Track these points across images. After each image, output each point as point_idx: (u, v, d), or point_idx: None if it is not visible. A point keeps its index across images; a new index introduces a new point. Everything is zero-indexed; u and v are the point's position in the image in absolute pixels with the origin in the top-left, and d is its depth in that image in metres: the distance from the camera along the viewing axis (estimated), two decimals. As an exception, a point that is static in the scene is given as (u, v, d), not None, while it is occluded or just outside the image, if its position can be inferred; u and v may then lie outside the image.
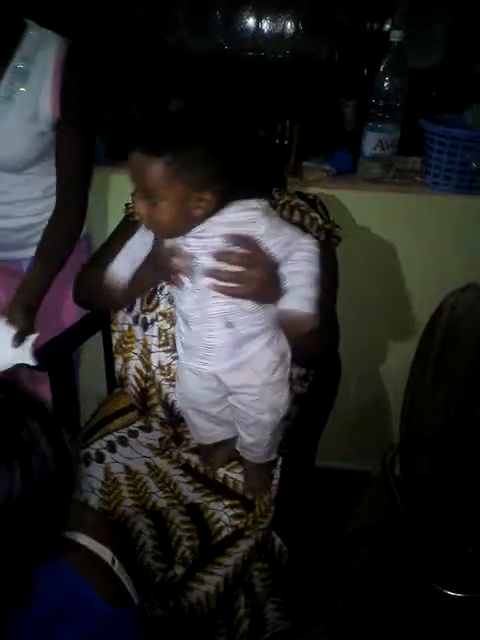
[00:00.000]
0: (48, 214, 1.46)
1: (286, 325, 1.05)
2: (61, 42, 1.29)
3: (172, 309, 1.21)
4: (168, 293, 1.23)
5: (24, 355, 1.26)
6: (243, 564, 1.19)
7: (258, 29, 1.91)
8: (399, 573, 1.67)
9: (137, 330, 1.30)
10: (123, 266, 1.09)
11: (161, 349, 1.26)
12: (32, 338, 1.31)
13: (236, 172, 0.98)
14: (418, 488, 1.69)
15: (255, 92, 1.19)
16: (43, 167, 1.41)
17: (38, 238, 1.48)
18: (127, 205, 1.37)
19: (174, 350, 1.22)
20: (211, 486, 1.27)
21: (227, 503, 1.23)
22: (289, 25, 1.89)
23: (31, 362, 1.27)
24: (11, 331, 1.31)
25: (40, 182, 1.44)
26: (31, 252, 1.49)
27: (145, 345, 1.28)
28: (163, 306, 1.24)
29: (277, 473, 1.31)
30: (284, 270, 1.02)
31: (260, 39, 1.91)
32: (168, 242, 1.04)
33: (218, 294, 1.02)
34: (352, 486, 1.99)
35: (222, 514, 1.21)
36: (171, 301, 1.21)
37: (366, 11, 1.87)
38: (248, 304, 1.05)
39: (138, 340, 1.30)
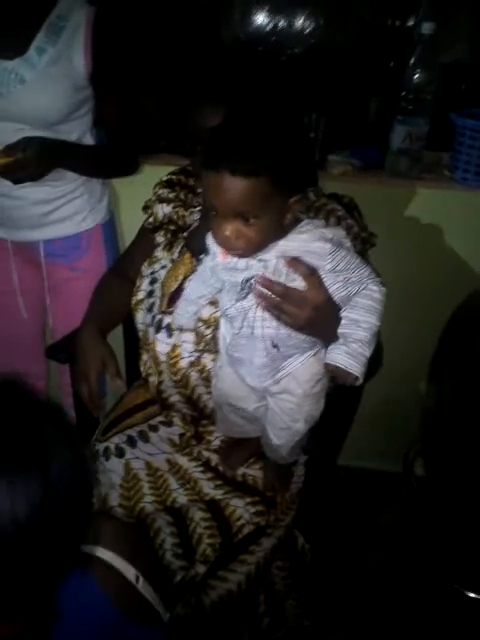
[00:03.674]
0: (66, 188, 1.48)
1: (330, 375, 1.03)
2: (90, 6, 1.41)
3: (216, 314, 1.17)
4: (210, 298, 1.18)
5: None
6: (265, 562, 1.17)
7: (280, 22, 1.88)
8: (420, 574, 1.65)
9: (150, 331, 1.27)
10: (188, 319, 1.16)
11: (195, 353, 1.21)
12: None
13: (308, 168, 0.97)
14: (440, 488, 1.67)
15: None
16: (73, 128, 1.44)
17: (55, 216, 1.48)
18: (145, 208, 1.37)
19: (210, 351, 1.19)
20: (231, 483, 1.25)
21: (248, 500, 1.22)
22: (311, 18, 1.86)
23: None
24: None
25: None
26: (49, 233, 1.51)
27: (154, 345, 1.24)
28: (205, 312, 1.19)
29: (299, 470, 1.30)
30: (344, 312, 0.98)
31: (282, 33, 1.89)
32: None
33: (267, 316, 1.00)
34: (373, 485, 1.97)
35: (243, 511, 1.20)
36: (214, 304, 1.17)
37: (390, 5, 1.84)
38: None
39: (149, 343, 1.27)
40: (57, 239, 1.52)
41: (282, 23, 1.88)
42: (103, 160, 1.52)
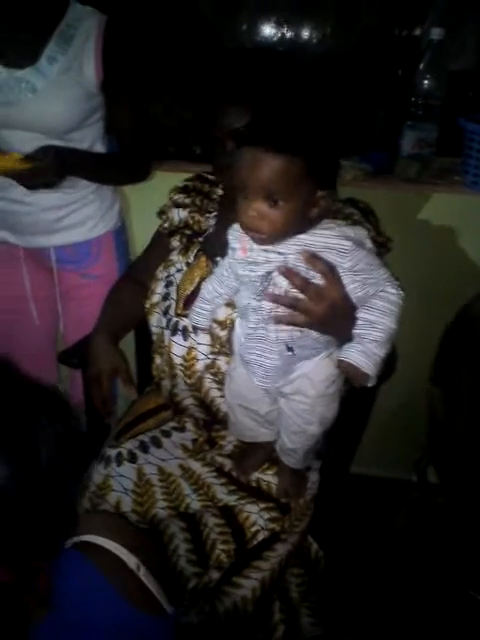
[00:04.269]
0: (78, 195, 1.49)
1: (343, 373, 1.02)
2: (100, 15, 1.40)
3: (232, 316, 1.17)
4: (227, 298, 1.17)
5: None
6: (280, 569, 1.16)
7: (287, 32, 1.90)
8: (434, 581, 1.64)
9: (166, 334, 1.27)
10: (204, 318, 1.15)
11: (211, 356, 1.21)
12: None
13: (338, 166, 0.97)
14: (452, 494, 1.66)
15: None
16: (84, 136, 1.44)
17: (66, 223, 1.49)
18: (160, 213, 1.37)
19: (225, 353, 1.19)
20: (245, 489, 1.24)
21: (262, 506, 1.20)
22: (319, 27, 1.87)
23: None
24: None
25: None
26: (60, 239, 1.51)
27: (169, 348, 1.25)
28: (220, 314, 1.19)
29: (313, 476, 1.29)
30: (360, 313, 0.98)
31: (290, 42, 1.90)
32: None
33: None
34: (386, 493, 1.96)
35: (258, 517, 1.19)
36: (229, 306, 1.17)
37: (398, 13, 1.85)
38: (313, 332, 1.01)
39: (164, 346, 1.27)
40: (68, 245, 1.52)
41: (290, 33, 1.89)
42: (115, 167, 1.52)
